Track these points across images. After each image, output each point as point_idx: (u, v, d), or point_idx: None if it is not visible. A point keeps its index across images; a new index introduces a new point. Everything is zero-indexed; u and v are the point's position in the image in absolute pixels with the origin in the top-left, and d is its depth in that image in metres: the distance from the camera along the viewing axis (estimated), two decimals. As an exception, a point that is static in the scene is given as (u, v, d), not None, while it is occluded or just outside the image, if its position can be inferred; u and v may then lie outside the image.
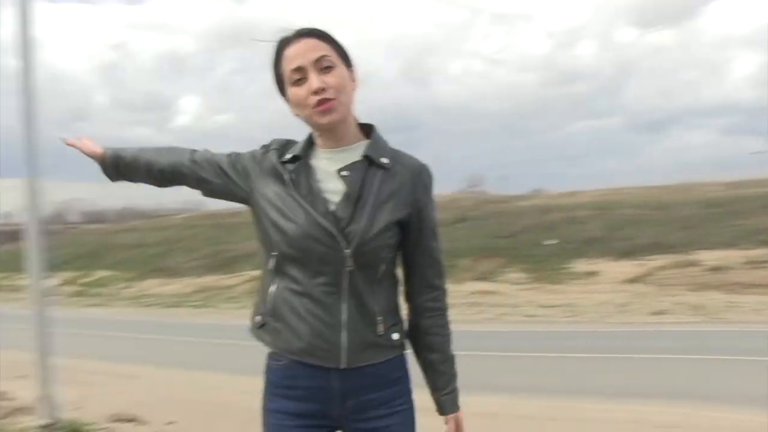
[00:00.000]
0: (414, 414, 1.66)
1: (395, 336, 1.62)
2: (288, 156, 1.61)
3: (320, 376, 1.57)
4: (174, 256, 37.03)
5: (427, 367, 1.67)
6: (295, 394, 1.59)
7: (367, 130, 1.66)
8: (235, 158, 1.68)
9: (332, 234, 1.51)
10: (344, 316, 1.53)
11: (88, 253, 38.16)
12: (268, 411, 1.64)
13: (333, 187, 1.57)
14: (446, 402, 1.66)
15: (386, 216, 1.55)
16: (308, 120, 1.59)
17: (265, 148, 1.66)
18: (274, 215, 1.56)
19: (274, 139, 1.69)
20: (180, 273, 33.27)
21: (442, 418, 1.69)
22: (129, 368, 10.34)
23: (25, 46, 6.05)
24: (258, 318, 1.64)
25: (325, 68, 1.53)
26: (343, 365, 1.54)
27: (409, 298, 1.69)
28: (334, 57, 1.56)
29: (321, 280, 1.53)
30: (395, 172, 1.59)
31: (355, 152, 1.60)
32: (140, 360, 11.35)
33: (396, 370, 1.63)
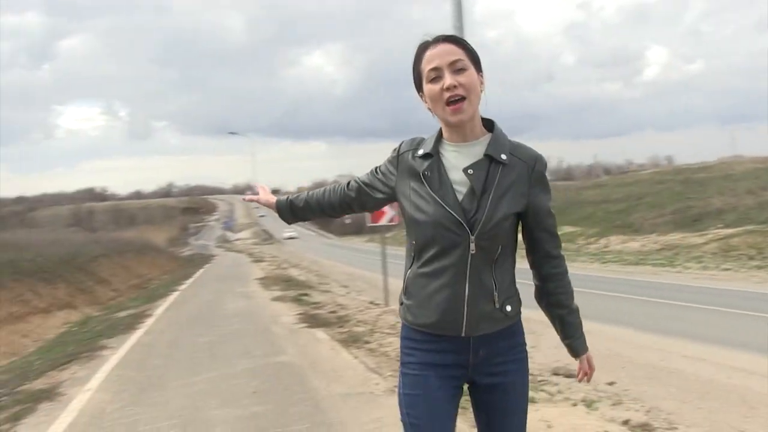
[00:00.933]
0: (528, 363, 1.95)
1: (509, 308, 1.86)
2: (420, 152, 1.88)
3: (459, 339, 1.84)
4: (638, 212, 35.79)
5: (556, 321, 1.98)
6: (437, 345, 1.85)
7: (489, 124, 1.89)
8: (375, 170, 2.02)
9: (460, 223, 1.77)
10: (467, 292, 1.80)
11: (556, 209, 39.89)
12: (410, 364, 1.89)
13: (460, 179, 1.81)
14: (576, 345, 1.99)
15: (504, 208, 1.79)
16: (440, 116, 1.84)
17: (397, 152, 1.95)
18: (411, 209, 1.86)
19: (404, 141, 1.97)
20: (643, 230, 31.92)
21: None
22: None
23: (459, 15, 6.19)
24: (401, 296, 1.95)
25: (458, 70, 1.78)
26: (463, 335, 1.82)
27: (534, 266, 1.96)
28: (467, 61, 1.79)
29: (448, 262, 1.79)
30: (513, 165, 1.82)
31: (479, 147, 1.84)
32: (594, 316, 11.01)
33: (516, 333, 1.92)
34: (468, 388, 1.95)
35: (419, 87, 1.88)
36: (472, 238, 1.77)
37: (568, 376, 6.69)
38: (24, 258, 17.91)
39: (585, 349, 1.99)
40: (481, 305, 1.81)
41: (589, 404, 4.64)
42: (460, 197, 1.80)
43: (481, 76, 1.85)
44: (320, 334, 8.50)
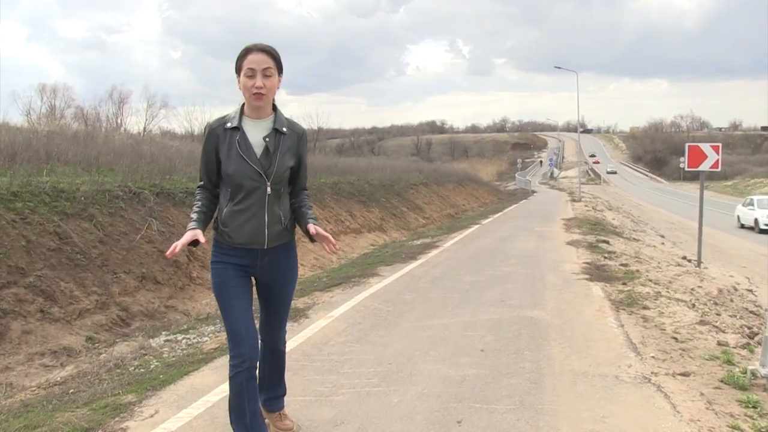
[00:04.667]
0: (297, 266, 3.14)
1: (290, 228, 3.01)
2: (229, 125, 2.85)
3: (253, 250, 2.90)
4: None
5: (300, 217, 3.02)
6: (237, 253, 2.89)
7: (273, 105, 2.94)
8: (204, 150, 2.93)
9: (261, 173, 2.82)
10: (266, 219, 2.86)
11: None
12: (216, 263, 2.94)
13: (258, 144, 2.85)
14: (309, 222, 2.96)
15: (287, 163, 2.90)
16: (247, 100, 2.85)
17: (210, 128, 2.90)
18: (227, 166, 2.84)
19: (213, 121, 2.94)
20: None
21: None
22: None
23: None
24: (217, 225, 2.94)
25: (266, 75, 2.79)
26: (265, 247, 2.89)
27: (293, 197, 3.06)
28: (273, 69, 2.81)
29: (253, 200, 2.84)
30: (289, 135, 2.92)
31: (268, 122, 2.89)
32: None
33: (291, 247, 3.06)
34: (255, 285, 3.03)
35: (238, 72, 2.83)
36: (269, 183, 2.83)
37: None
38: (346, 181, 19.54)
39: (313, 222, 2.97)
40: (275, 227, 2.90)
41: None
42: (259, 156, 2.84)
43: (281, 77, 2.89)
44: (596, 289, 7.33)
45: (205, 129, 2.93)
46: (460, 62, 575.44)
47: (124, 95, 48.68)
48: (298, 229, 3.09)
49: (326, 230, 2.98)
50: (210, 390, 4.03)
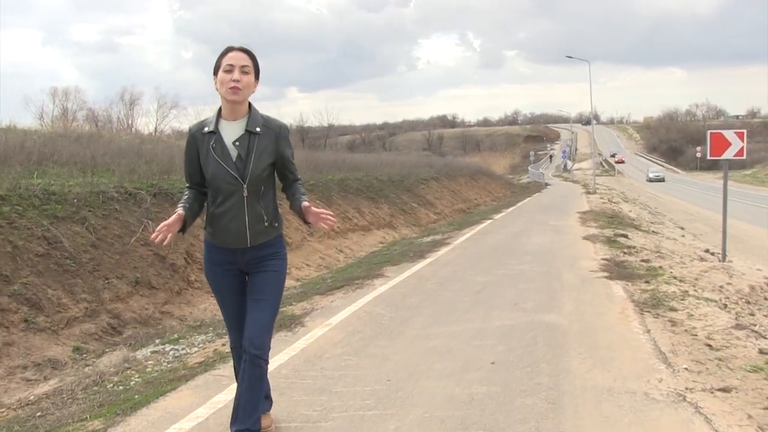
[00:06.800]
0: (285, 261, 3.17)
1: (276, 224, 3.06)
2: (206, 130, 2.95)
3: (236, 248, 3.01)
4: None
5: (294, 202, 3.04)
6: (223, 250, 3.02)
7: (249, 106, 3.01)
8: (186, 153, 3.04)
9: (236, 177, 2.89)
10: (247, 220, 2.93)
11: None
12: (205, 260, 3.13)
13: (232, 147, 2.92)
14: (301, 201, 2.98)
15: (262, 163, 2.93)
16: (223, 94, 2.91)
17: (190, 132, 3.03)
18: (206, 167, 2.94)
19: (193, 125, 3.06)
20: None
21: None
22: None
23: None
24: (205, 225, 3.05)
25: (244, 72, 2.89)
26: (248, 245, 2.98)
27: (286, 186, 3.14)
28: (251, 68, 2.93)
29: (232, 202, 2.91)
30: (265, 134, 2.96)
31: (242, 123, 2.96)
32: None
33: (276, 243, 3.09)
34: (247, 277, 3.10)
35: (216, 72, 2.94)
36: (245, 186, 2.91)
37: None
38: (354, 177, 19.03)
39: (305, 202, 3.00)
40: (257, 226, 2.97)
41: None
42: (234, 159, 2.91)
43: (257, 81, 2.99)
44: (617, 288, 6.79)
45: (190, 129, 3.07)
46: (470, 55, 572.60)
47: (135, 96, 49.15)
48: (289, 223, 2.88)
49: (332, 228, 3.03)
50: (184, 415, 3.56)
